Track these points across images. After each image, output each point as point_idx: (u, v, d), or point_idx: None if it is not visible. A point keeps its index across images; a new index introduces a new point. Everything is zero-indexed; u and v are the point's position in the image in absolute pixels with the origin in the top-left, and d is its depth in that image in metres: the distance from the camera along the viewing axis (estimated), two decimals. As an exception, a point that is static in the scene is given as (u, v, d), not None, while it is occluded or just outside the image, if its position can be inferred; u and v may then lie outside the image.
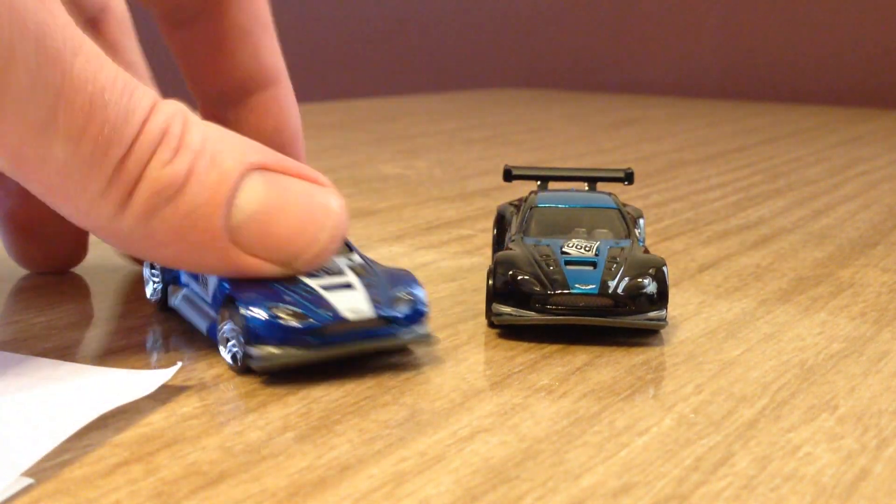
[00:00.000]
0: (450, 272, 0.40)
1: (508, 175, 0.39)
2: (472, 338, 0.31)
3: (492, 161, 0.71)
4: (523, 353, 0.30)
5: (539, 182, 0.39)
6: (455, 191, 0.59)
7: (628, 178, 0.39)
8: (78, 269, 0.39)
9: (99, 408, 0.24)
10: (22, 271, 0.38)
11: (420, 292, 0.29)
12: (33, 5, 0.23)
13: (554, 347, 0.31)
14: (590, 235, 0.34)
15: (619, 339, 0.31)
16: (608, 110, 1.14)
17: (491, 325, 0.32)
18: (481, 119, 1.03)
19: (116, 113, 0.24)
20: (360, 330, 0.27)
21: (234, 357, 0.27)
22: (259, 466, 0.22)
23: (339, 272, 0.28)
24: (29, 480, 0.21)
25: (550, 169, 0.39)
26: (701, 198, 0.58)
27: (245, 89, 0.36)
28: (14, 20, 0.23)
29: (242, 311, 0.26)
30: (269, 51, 0.36)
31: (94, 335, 0.31)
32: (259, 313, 0.26)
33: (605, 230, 0.34)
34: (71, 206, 0.25)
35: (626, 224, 0.34)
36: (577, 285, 0.31)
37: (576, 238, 0.33)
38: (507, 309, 0.31)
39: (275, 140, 0.35)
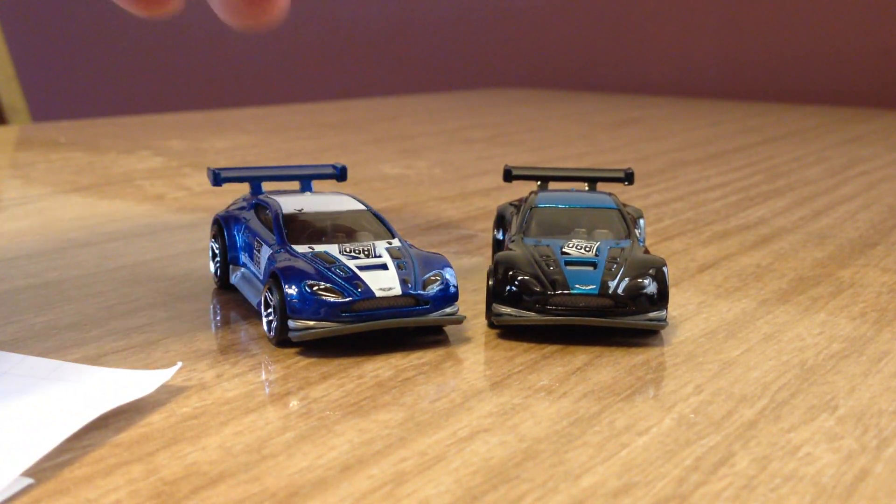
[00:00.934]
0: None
1: (508, 175, 0.39)
2: (473, 338, 0.31)
3: (492, 161, 0.70)
4: (523, 353, 0.30)
5: (539, 182, 0.39)
6: (455, 191, 0.59)
7: (628, 178, 0.39)
8: (78, 269, 0.39)
9: (99, 408, 0.24)
10: (22, 271, 0.38)
11: (450, 275, 0.31)
12: None
13: (554, 347, 0.31)
14: (590, 236, 0.34)
15: (619, 339, 0.31)
16: (608, 110, 1.14)
17: (491, 325, 0.32)
18: (481, 119, 1.03)
19: None
20: (390, 307, 0.30)
21: (269, 324, 0.30)
22: (259, 466, 0.22)
23: (377, 255, 0.31)
24: (29, 480, 0.21)
25: (550, 169, 0.39)
26: (701, 198, 0.58)
27: None
28: None
29: (284, 287, 0.29)
30: None
31: (94, 335, 0.31)
32: (298, 289, 0.29)
33: (605, 230, 0.34)
34: None
35: (627, 224, 0.34)
36: (577, 286, 0.31)
37: (576, 238, 0.33)
38: (507, 309, 0.31)
39: None
